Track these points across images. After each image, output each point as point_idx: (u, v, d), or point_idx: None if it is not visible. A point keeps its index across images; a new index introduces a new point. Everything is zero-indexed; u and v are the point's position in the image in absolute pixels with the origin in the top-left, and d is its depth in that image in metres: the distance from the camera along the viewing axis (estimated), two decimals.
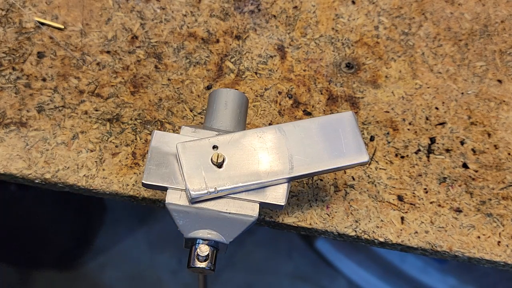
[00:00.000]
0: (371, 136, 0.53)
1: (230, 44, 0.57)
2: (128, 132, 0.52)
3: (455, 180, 0.52)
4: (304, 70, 0.57)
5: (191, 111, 0.53)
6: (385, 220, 0.49)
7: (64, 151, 0.50)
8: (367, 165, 0.52)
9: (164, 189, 0.42)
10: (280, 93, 0.55)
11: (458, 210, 0.50)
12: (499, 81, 0.57)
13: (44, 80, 0.53)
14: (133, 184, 0.49)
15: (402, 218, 0.49)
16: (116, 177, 0.49)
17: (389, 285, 1.14)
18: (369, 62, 0.57)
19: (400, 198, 0.50)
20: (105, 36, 0.56)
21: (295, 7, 0.60)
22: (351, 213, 0.49)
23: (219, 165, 0.41)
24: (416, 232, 0.49)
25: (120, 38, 0.56)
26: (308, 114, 0.54)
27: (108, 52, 0.56)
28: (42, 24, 0.56)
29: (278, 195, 0.42)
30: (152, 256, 1.19)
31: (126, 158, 0.50)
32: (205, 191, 0.41)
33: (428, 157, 0.53)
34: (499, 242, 0.49)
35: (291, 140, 0.43)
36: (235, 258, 1.19)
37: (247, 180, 0.41)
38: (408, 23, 0.60)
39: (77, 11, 0.58)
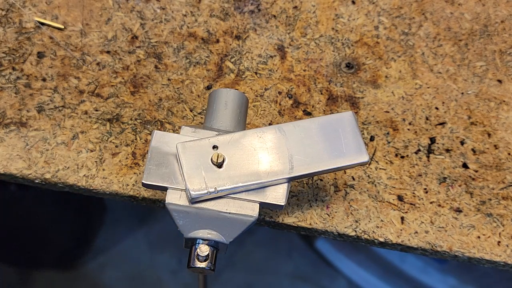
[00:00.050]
0: (371, 136, 0.53)
1: (230, 44, 0.57)
2: (128, 132, 0.52)
3: (455, 180, 0.52)
4: (304, 70, 0.57)
5: (191, 111, 0.53)
6: (385, 220, 0.49)
7: (64, 151, 0.50)
8: (367, 165, 0.52)
9: (164, 189, 0.42)
10: (280, 93, 0.55)
11: (458, 210, 0.50)
12: (499, 81, 0.57)
13: (44, 80, 0.53)
14: (133, 184, 0.49)
15: (402, 218, 0.49)
16: (116, 177, 0.49)
17: (389, 285, 1.14)
18: (369, 62, 0.57)
19: (400, 198, 0.50)
20: (105, 36, 0.56)
21: (295, 7, 0.60)
22: (351, 213, 0.49)
23: (219, 165, 0.41)
24: (416, 232, 0.49)
25: (120, 38, 0.56)
26: (308, 114, 0.54)
27: (108, 52, 0.56)
28: (42, 24, 0.56)
29: (278, 195, 0.42)
30: (152, 256, 1.19)
31: (126, 158, 0.50)
32: (205, 191, 0.41)
33: (428, 157, 0.53)
34: (499, 242, 0.49)
35: (291, 140, 0.43)
36: (235, 258, 1.20)
37: (247, 180, 0.41)
38: (408, 23, 0.60)
39: (77, 11, 0.58)
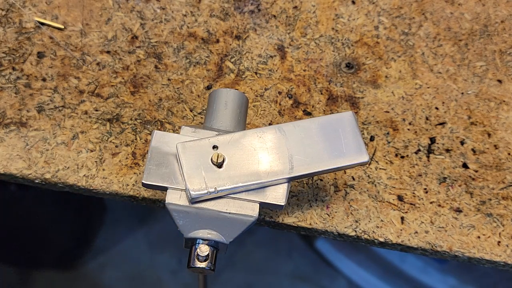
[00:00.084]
0: (371, 136, 0.53)
1: (230, 44, 0.57)
2: (128, 132, 0.52)
3: (455, 180, 0.52)
4: (304, 70, 0.57)
5: (191, 111, 0.53)
6: (385, 220, 0.49)
7: (64, 151, 0.50)
8: (367, 165, 0.52)
9: (164, 189, 0.42)
10: (280, 93, 0.55)
11: (458, 210, 0.50)
12: (499, 81, 0.57)
13: (44, 80, 0.53)
14: (133, 184, 0.49)
15: (402, 218, 0.49)
16: (116, 177, 0.49)
17: (389, 285, 1.14)
18: (369, 62, 0.57)
19: (400, 198, 0.50)
20: (105, 36, 0.56)
21: (295, 7, 0.60)
22: (351, 213, 0.49)
23: (219, 165, 0.41)
24: (416, 232, 0.49)
25: (120, 38, 0.56)
26: (308, 114, 0.54)
27: (108, 52, 0.56)
28: (42, 24, 0.56)
29: (278, 195, 0.42)
30: (152, 256, 1.19)
31: (126, 158, 0.50)
32: (205, 191, 0.41)
33: (428, 157, 0.53)
34: (499, 242, 0.49)
35: (291, 140, 0.43)
36: (235, 258, 1.20)
37: (247, 180, 0.41)
38: (408, 23, 0.60)
39: (77, 11, 0.58)
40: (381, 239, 0.49)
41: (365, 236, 0.49)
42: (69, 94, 0.53)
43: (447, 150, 0.53)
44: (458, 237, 0.49)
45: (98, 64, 0.55)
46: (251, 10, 0.59)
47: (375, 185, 0.51)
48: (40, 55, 0.55)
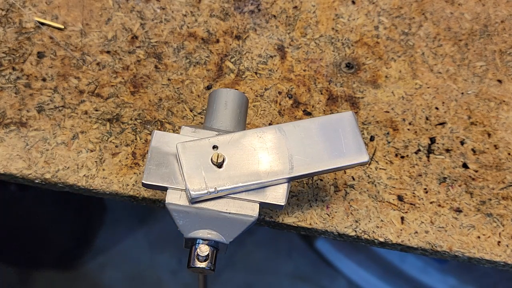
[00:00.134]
0: (371, 136, 0.53)
1: (230, 44, 0.57)
2: (128, 132, 0.52)
3: (455, 180, 0.52)
4: (304, 70, 0.57)
5: (191, 111, 0.53)
6: (385, 220, 0.49)
7: (64, 151, 0.50)
8: (367, 165, 0.52)
9: (164, 189, 0.42)
10: (280, 93, 0.55)
11: (458, 210, 0.50)
12: (499, 81, 0.57)
13: (44, 80, 0.53)
14: (133, 184, 0.49)
15: (402, 218, 0.49)
16: (116, 177, 0.49)
17: (389, 285, 1.14)
18: (369, 62, 0.57)
19: (400, 198, 0.50)
20: (105, 36, 0.56)
21: (295, 7, 0.60)
22: (351, 213, 0.49)
23: (219, 165, 0.41)
24: (416, 232, 0.49)
25: (120, 38, 0.56)
26: (308, 114, 0.54)
27: (108, 52, 0.56)
28: (42, 24, 0.56)
29: (278, 195, 0.42)
30: (152, 256, 1.19)
31: (126, 158, 0.50)
32: (205, 191, 0.41)
33: (428, 157, 0.53)
34: (499, 242, 0.49)
35: (291, 140, 0.43)
36: (235, 258, 1.20)
37: (247, 180, 0.41)
38: (408, 23, 0.60)
39: (77, 11, 0.58)
40: (381, 239, 0.49)
41: (365, 236, 0.49)
42: (69, 94, 0.53)
43: (447, 150, 0.53)
44: (458, 237, 0.49)
45: (98, 64, 0.55)
46: (251, 10, 0.59)
47: (375, 185, 0.51)
48: (40, 55, 0.55)
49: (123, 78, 0.54)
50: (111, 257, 1.18)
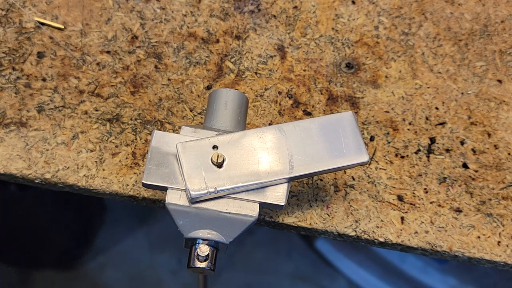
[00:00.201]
0: (371, 136, 0.53)
1: (230, 44, 0.57)
2: (128, 132, 0.52)
3: (455, 180, 0.52)
4: (304, 70, 0.57)
5: (191, 111, 0.53)
6: (385, 220, 0.49)
7: (64, 151, 0.50)
8: (367, 165, 0.52)
9: (164, 189, 0.42)
10: (280, 93, 0.55)
11: (458, 210, 0.50)
12: (499, 81, 0.57)
13: (44, 80, 0.53)
14: (133, 184, 0.49)
15: (402, 218, 0.49)
16: (116, 177, 0.49)
17: (389, 285, 1.14)
18: (369, 62, 0.57)
19: (400, 198, 0.50)
20: (105, 36, 0.56)
21: (295, 7, 0.60)
22: (351, 213, 0.49)
23: (219, 165, 0.41)
24: (416, 232, 0.49)
25: (120, 38, 0.56)
26: (308, 114, 0.54)
27: (108, 52, 0.56)
28: (42, 24, 0.56)
29: (278, 195, 0.42)
30: (152, 256, 1.19)
31: (126, 158, 0.50)
32: (205, 191, 0.41)
33: (428, 157, 0.53)
34: (499, 242, 0.49)
35: (291, 140, 0.43)
36: (235, 258, 1.20)
37: (247, 180, 0.41)
38: (408, 23, 0.60)
39: (77, 11, 0.58)
40: (381, 239, 0.49)
41: (365, 236, 0.49)
42: (69, 94, 0.53)
43: (447, 150, 0.53)
44: (458, 237, 0.49)
45: (98, 64, 0.55)
46: (251, 10, 0.59)
47: (375, 185, 0.51)
48: (40, 55, 0.55)
49: (123, 78, 0.54)
50: (111, 257, 1.18)
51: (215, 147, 0.42)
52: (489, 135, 0.54)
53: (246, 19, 0.59)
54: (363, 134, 0.53)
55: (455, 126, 0.54)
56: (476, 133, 0.54)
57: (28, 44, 0.55)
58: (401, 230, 0.49)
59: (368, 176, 0.51)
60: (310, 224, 0.49)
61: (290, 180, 0.42)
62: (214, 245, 0.41)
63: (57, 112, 0.52)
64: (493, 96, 0.56)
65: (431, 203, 0.50)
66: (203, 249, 0.41)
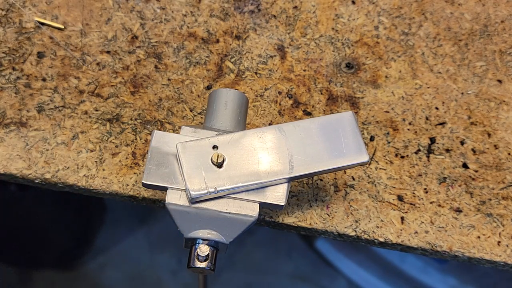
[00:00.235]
0: (371, 136, 0.53)
1: (230, 44, 0.57)
2: (128, 132, 0.52)
3: (455, 180, 0.52)
4: (304, 70, 0.57)
5: (191, 111, 0.53)
6: (385, 220, 0.49)
7: (64, 151, 0.50)
8: (367, 165, 0.52)
9: (164, 189, 0.42)
10: (280, 93, 0.55)
11: (458, 210, 0.50)
12: (499, 81, 0.57)
13: (44, 80, 0.53)
14: (133, 184, 0.49)
15: (402, 218, 0.49)
16: (116, 177, 0.49)
17: (389, 285, 1.14)
18: (369, 62, 0.57)
19: (400, 198, 0.50)
20: (105, 36, 0.56)
21: (295, 7, 0.60)
22: (351, 213, 0.49)
23: (219, 165, 0.41)
24: (416, 232, 0.49)
25: (120, 38, 0.56)
26: (308, 114, 0.54)
27: (108, 52, 0.56)
28: (42, 24, 0.56)
29: (278, 195, 0.42)
30: (152, 256, 1.19)
31: (126, 158, 0.50)
32: (205, 191, 0.41)
33: (428, 157, 0.53)
34: (499, 242, 0.49)
35: (291, 140, 0.43)
36: (235, 258, 1.20)
37: (247, 180, 0.41)
38: (408, 23, 0.60)
39: (77, 11, 0.58)
40: (381, 239, 0.49)
41: (365, 236, 0.49)
42: (69, 94, 0.53)
43: (447, 150, 0.53)
44: (458, 237, 0.49)
45: (98, 64, 0.55)
46: (251, 10, 0.59)
47: (375, 185, 0.51)
48: (40, 55, 0.55)
49: (123, 78, 0.54)
50: (111, 257, 1.18)
51: (215, 147, 0.42)
52: (489, 135, 0.54)
53: (246, 19, 0.59)
54: (363, 134, 0.53)
55: (455, 126, 0.54)
56: (476, 133, 0.54)
57: (28, 44, 0.55)
58: (401, 230, 0.49)
59: (368, 176, 0.51)
60: (310, 224, 0.49)
61: (290, 180, 0.42)
62: (214, 245, 0.41)
63: (57, 112, 0.52)
64: (493, 96, 0.56)
65: (431, 203, 0.50)
66: (203, 249, 0.41)
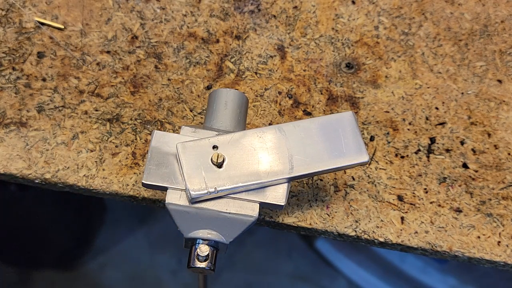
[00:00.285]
0: (371, 136, 0.53)
1: (230, 44, 0.57)
2: (128, 132, 0.52)
3: (455, 180, 0.52)
4: (304, 70, 0.57)
5: (191, 111, 0.53)
6: (385, 220, 0.49)
7: (64, 151, 0.50)
8: (367, 165, 0.52)
9: (164, 189, 0.42)
10: (280, 93, 0.55)
11: (458, 210, 0.50)
12: (499, 81, 0.57)
13: (44, 80, 0.53)
14: (133, 184, 0.49)
15: (402, 218, 0.49)
16: (116, 177, 0.49)
17: (389, 285, 1.14)
18: (369, 62, 0.57)
19: (400, 198, 0.50)
20: (105, 36, 0.56)
21: (295, 7, 0.60)
22: (351, 213, 0.49)
23: (219, 165, 0.41)
24: (416, 232, 0.49)
25: (120, 38, 0.56)
26: (308, 114, 0.54)
27: (108, 52, 0.56)
28: (42, 24, 0.56)
29: (278, 195, 0.42)
30: (152, 256, 1.19)
31: (126, 158, 0.50)
32: (205, 191, 0.41)
33: (428, 157, 0.53)
34: (499, 242, 0.49)
35: (291, 140, 0.43)
36: (235, 258, 1.20)
37: (247, 180, 0.41)
38: (408, 23, 0.60)
39: (77, 11, 0.58)
40: (381, 239, 0.49)
41: (365, 236, 0.49)
42: (69, 94, 0.53)
43: (447, 150, 0.53)
44: (458, 237, 0.49)
45: (98, 64, 0.55)
46: (251, 10, 0.59)
47: (375, 185, 0.51)
48: (40, 55, 0.55)
49: (123, 78, 0.54)
50: (111, 257, 1.18)
51: (215, 147, 0.42)
52: (489, 135, 0.54)
53: (246, 19, 0.59)
54: (363, 134, 0.53)
55: (455, 126, 0.54)
56: (476, 133, 0.54)
57: (28, 44, 0.55)
58: (401, 230, 0.49)
59: (368, 176, 0.51)
60: (310, 224, 0.49)
61: (290, 180, 0.42)
62: (214, 245, 0.41)
63: (57, 112, 0.52)
64: (493, 96, 0.56)
65: (431, 203, 0.50)
66: (203, 249, 0.41)
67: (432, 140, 0.54)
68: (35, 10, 0.57)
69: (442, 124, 0.55)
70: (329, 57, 0.57)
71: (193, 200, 0.41)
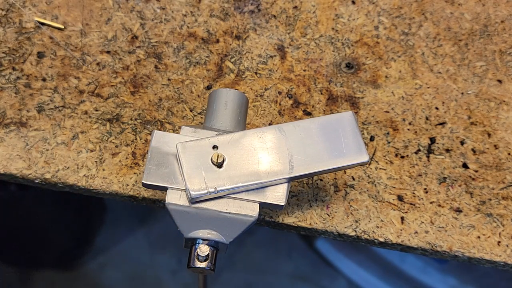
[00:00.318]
0: (371, 136, 0.53)
1: (230, 44, 0.57)
2: (128, 132, 0.52)
3: (455, 180, 0.52)
4: (304, 70, 0.57)
5: (191, 111, 0.53)
6: (385, 220, 0.49)
7: (64, 151, 0.50)
8: (367, 165, 0.52)
9: (164, 189, 0.42)
10: (280, 93, 0.55)
11: (458, 210, 0.50)
12: (499, 81, 0.57)
13: (44, 80, 0.53)
14: (133, 184, 0.49)
15: (402, 218, 0.49)
16: (116, 177, 0.49)
17: (389, 285, 1.14)
18: (369, 62, 0.57)
19: (400, 198, 0.50)
20: (105, 36, 0.56)
21: (295, 7, 0.60)
22: (351, 213, 0.49)
23: (219, 165, 0.41)
24: (416, 232, 0.49)
25: (120, 38, 0.56)
26: (308, 114, 0.54)
27: (108, 52, 0.56)
28: (42, 24, 0.56)
29: (278, 195, 0.42)
30: (152, 256, 1.19)
31: (126, 158, 0.50)
32: (205, 191, 0.41)
33: (428, 157, 0.53)
34: (499, 242, 0.49)
35: (291, 140, 0.43)
36: (235, 258, 1.20)
37: (247, 180, 0.41)
38: (408, 23, 0.60)
39: (77, 11, 0.58)
40: (381, 239, 0.49)
41: (365, 236, 0.49)
42: (69, 94, 0.53)
43: (447, 150, 0.53)
44: (458, 237, 0.49)
45: (98, 64, 0.55)
46: (251, 10, 0.59)
47: (375, 185, 0.51)
48: (40, 55, 0.55)
49: (123, 78, 0.54)
50: (111, 257, 1.18)
51: (215, 147, 0.42)
52: (489, 135, 0.54)
53: (246, 19, 0.59)
54: (363, 134, 0.53)
55: (455, 126, 0.54)
56: (476, 133, 0.54)
57: (28, 44, 0.55)
58: (401, 230, 0.49)
59: (368, 176, 0.51)
60: (310, 224, 0.49)
61: (290, 180, 0.42)
62: (214, 245, 0.41)
63: (57, 112, 0.52)
64: (493, 96, 0.56)
65: (431, 203, 0.50)
66: (203, 249, 0.41)
67: (432, 140, 0.54)
68: (35, 10, 0.57)
69: (442, 124, 0.55)
70: (329, 57, 0.57)
71: (193, 200, 0.41)
